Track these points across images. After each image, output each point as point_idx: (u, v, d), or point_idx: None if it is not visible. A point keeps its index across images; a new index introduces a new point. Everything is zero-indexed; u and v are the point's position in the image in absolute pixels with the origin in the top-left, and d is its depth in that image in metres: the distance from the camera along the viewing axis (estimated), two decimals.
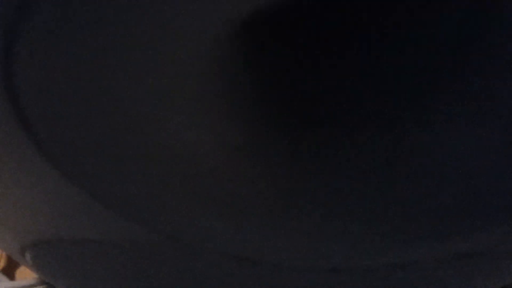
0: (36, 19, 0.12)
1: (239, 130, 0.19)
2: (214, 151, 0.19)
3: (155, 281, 0.21)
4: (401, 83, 0.19)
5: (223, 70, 0.18)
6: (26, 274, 0.32)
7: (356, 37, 0.19)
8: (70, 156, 0.16)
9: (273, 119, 0.19)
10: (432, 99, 0.19)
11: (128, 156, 0.17)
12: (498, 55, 0.17)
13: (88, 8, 0.13)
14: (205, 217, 0.20)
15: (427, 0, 0.18)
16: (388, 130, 0.20)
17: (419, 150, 0.19)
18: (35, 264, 0.24)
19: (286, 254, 0.21)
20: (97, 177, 0.17)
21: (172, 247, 0.20)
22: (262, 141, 0.19)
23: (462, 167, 0.19)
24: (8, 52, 0.12)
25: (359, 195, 0.21)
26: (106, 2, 0.13)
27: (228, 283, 0.22)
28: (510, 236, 0.20)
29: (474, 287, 0.23)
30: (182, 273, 0.21)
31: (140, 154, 0.17)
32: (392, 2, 0.18)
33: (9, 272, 0.32)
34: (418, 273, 0.21)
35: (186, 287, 0.22)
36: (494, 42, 0.17)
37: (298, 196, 0.21)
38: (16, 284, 0.28)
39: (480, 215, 0.20)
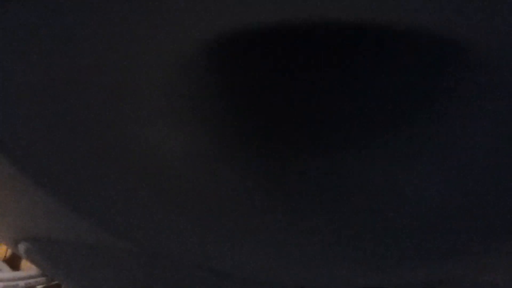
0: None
1: (208, 136, 0.20)
2: (185, 157, 0.19)
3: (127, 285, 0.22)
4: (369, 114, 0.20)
5: (191, 80, 0.18)
6: (30, 265, 0.34)
7: (321, 66, 0.19)
8: (42, 164, 0.17)
9: (242, 129, 0.20)
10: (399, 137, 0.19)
11: (100, 163, 0.18)
12: (462, 101, 0.18)
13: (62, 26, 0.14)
14: (178, 227, 0.21)
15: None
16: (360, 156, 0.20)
17: (386, 181, 0.19)
18: (27, 257, 0.25)
19: (258, 269, 0.22)
20: (69, 184, 0.18)
21: (146, 255, 0.21)
22: (232, 148, 0.20)
23: (431, 199, 0.19)
24: None
25: (332, 217, 0.21)
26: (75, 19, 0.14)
27: None
28: (473, 269, 0.20)
29: None
30: (155, 282, 0.22)
31: (111, 160, 0.18)
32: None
33: (15, 262, 0.34)
34: None
35: None
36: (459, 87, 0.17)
37: (271, 211, 0.21)
38: (16, 274, 0.30)
39: (447, 245, 0.20)
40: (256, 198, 0.20)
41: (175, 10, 0.14)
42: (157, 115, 0.18)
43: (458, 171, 0.18)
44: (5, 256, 0.34)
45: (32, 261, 0.26)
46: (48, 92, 0.16)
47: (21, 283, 0.30)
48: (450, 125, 0.18)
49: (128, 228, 0.21)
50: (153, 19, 0.14)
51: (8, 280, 0.31)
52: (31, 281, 0.31)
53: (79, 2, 0.13)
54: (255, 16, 0.15)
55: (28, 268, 0.34)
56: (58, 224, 0.21)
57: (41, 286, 0.31)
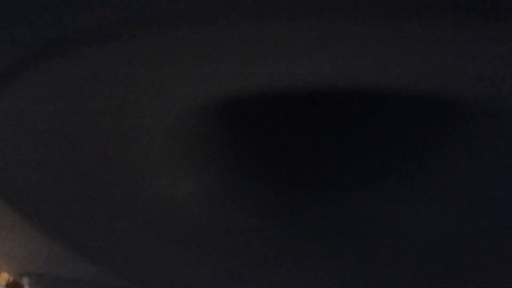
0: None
1: (217, 180, 0.20)
2: (194, 201, 0.20)
3: None
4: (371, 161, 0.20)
5: (202, 129, 0.19)
6: None
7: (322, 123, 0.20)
8: (44, 208, 0.18)
9: (250, 175, 0.21)
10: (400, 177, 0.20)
11: (105, 206, 0.18)
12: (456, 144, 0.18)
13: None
14: (186, 268, 0.21)
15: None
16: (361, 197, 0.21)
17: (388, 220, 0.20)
18: None
19: None
20: (73, 226, 0.19)
21: None
22: (241, 193, 0.21)
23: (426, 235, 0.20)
24: None
25: (337, 254, 0.21)
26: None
27: None
28: None
29: None
30: None
31: (117, 203, 0.19)
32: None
33: (17, 287, 0.35)
34: None
35: None
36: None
37: (279, 253, 0.22)
38: None
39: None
40: (264, 239, 0.21)
41: (185, 72, 0.14)
42: (167, 161, 0.18)
43: (460, 211, 0.19)
44: (8, 281, 0.35)
45: None
46: (53, 136, 0.16)
47: None
48: (452, 169, 0.19)
49: (133, 269, 0.21)
50: (165, 77, 0.15)
51: None
52: None
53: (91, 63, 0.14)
54: (259, 81, 0.15)
55: None
56: (61, 263, 0.21)
57: None
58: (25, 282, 0.25)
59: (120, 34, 0.13)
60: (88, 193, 0.18)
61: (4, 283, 0.34)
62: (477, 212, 0.19)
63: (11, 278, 0.35)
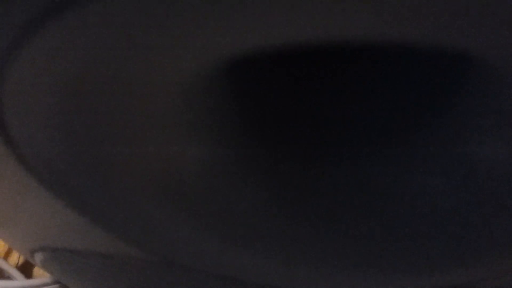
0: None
1: (226, 149, 0.20)
2: (202, 169, 0.20)
3: None
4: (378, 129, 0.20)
5: (210, 96, 0.19)
6: (43, 271, 0.34)
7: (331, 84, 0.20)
8: (59, 176, 0.17)
9: (259, 143, 0.20)
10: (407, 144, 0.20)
11: (118, 176, 0.18)
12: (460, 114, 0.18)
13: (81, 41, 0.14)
14: (194, 237, 0.21)
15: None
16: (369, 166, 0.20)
17: (395, 191, 0.20)
18: (43, 266, 0.26)
19: (266, 276, 0.22)
20: (85, 195, 0.18)
21: (160, 264, 0.21)
22: (249, 162, 0.20)
23: (438, 207, 0.20)
24: None
25: (338, 226, 0.21)
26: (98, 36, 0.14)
27: None
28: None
29: None
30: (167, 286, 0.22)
31: (129, 173, 0.18)
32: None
33: (27, 269, 0.34)
34: None
35: None
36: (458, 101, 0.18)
37: (287, 221, 0.21)
38: (31, 282, 0.30)
39: (457, 252, 0.20)
40: (272, 208, 0.20)
41: (194, 31, 0.14)
42: (176, 129, 0.18)
43: (469, 180, 0.19)
44: (17, 264, 0.35)
45: (48, 269, 0.27)
46: (68, 108, 0.16)
47: None
48: (461, 135, 0.19)
49: (143, 238, 0.21)
50: (172, 39, 0.14)
51: None
52: None
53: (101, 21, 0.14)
54: (270, 38, 0.15)
55: (41, 275, 0.34)
56: (76, 235, 0.21)
57: None
58: (38, 259, 0.25)
59: None
60: (98, 160, 0.18)
61: (13, 265, 0.34)
62: (482, 184, 0.19)
63: (21, 260, 0.35)
